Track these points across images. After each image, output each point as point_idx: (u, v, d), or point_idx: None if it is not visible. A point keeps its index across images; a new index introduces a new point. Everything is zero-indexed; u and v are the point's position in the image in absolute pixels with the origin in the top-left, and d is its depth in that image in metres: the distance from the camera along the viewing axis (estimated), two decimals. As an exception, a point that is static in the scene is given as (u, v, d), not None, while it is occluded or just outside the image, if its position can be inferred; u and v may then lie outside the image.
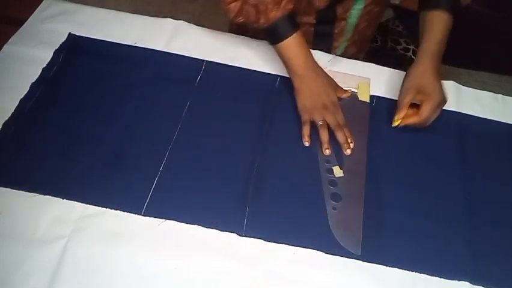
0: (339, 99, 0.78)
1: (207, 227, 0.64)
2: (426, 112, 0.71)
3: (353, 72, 0.83)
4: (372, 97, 0.81)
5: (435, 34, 0.74)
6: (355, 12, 0.83)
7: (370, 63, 0.85)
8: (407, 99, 0.72)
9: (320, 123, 0.73)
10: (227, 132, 0.74)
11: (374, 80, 0.82)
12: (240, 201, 0.67)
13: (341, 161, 0.72)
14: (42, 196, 0.65)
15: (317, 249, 0.64)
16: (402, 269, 0.63)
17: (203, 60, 0.82)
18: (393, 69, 0.85)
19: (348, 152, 0.72)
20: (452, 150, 0.75)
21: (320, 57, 0.80)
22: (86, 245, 0.62)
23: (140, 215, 0.64)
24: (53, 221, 0.63)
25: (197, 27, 0.88)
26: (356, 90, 0.80)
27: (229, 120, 0.76)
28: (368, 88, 0.81)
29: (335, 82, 0.79)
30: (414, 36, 1.04)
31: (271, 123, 0.76)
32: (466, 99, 0.81)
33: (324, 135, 0.73)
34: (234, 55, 0.83)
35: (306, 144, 0.73)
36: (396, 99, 0.77)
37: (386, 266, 0.63)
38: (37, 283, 0.58)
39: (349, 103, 0.79)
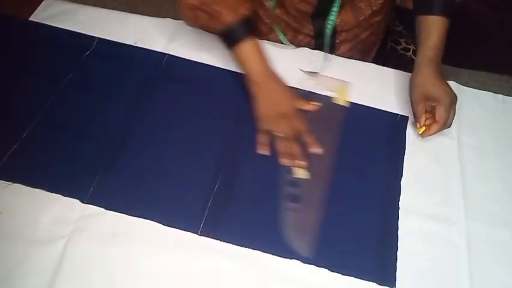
0: (320, 103, 0.77)
1: (150, 220, 0.64)
2: (442, 116, 0.71)
3: (353, 72, 0.82)
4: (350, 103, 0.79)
5: (431, 39, 0.74)
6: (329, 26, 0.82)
7: (369, 63, 0.85)
8: (420, 108, 0.73)
9: (279, 133, 0.72)
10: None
11: (374, 80, 0.82)
12: (201, 202, 0.66)
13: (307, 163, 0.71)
14: (42, 196, 0.65)
15: (271, 253, 0.63)
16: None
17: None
18: (393, 69, 0.85)
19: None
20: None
21: (318, 56, 0.80)
22: (86, 245, 0.62)
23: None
24: (53, 221, 0.63)
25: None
26: (333, 94, 0.79)
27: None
28: (347, 92, 0.80)
29: (293, 92, 0.76)
30: (414, 36, 1.04)
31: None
32: (466, 99, 0.81)
33: (281, 147, 0.71)
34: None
35: (260, 152, 0.71)
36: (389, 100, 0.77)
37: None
38: (37, 283, 0.59)
39: (324, 106, 0.77)
